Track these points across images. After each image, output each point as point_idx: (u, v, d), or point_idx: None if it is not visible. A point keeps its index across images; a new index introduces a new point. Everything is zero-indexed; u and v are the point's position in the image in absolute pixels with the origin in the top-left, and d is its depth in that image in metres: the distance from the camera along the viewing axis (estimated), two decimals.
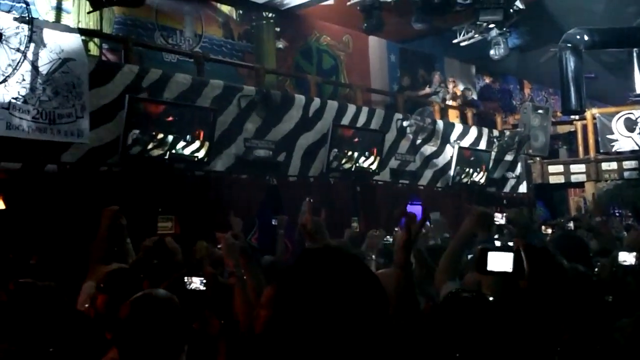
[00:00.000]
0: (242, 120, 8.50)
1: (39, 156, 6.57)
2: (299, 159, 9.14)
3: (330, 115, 9.56)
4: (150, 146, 7.24)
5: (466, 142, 11.66)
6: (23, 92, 6.37)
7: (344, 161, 9.50)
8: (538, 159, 12.77)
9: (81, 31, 7.43)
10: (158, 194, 7.34)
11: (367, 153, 9.74)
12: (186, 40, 10.68)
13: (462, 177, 11.33)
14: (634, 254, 3.88)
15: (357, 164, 9.66)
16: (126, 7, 8.48)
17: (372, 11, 11.06)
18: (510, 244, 2.17)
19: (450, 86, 13.51)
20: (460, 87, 14.15)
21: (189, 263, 4.20)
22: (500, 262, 2.08)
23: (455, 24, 12.46)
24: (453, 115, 12.96)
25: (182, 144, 7.54)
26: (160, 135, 7.31)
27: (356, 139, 9.65)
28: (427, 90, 13.04)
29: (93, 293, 3.43)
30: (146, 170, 7.33)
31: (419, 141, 10.79)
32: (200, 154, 7.75)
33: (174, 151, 7.47)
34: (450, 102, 13.12)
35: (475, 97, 14.40)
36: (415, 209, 10.28)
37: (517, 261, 2.04)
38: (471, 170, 11.45)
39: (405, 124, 10.55)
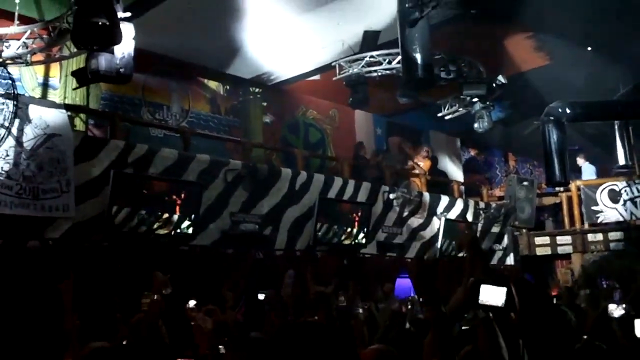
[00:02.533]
0: (229, 194, 8.52)
1: (21, 232, 6.49)
2: (285, 233, 9.13)
3: (316, 189, 9.60)
4: (134, 221, 7.22)
5: (453, 214, 11.69)
6: (6, 167, 6.38)
7: (331, 234, 9.50)
8: (524, 230, 12.82)
9: (67, 107, 7.52)
10: (142, 269, 7.23)
11: (354, 226, 9.74)
12: (173, 116, 10.82)
13: (450, 249, 11.31)
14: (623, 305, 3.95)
15: (344, 237, 9.64)
16: (112, 84, 8.57)
17: (357, 86, 11.28)
18: None
19: (421, 163, 13.51)
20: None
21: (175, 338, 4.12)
22: (492, 295, 2.05)
23: (440, 98, 12.73)
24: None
25: (166, 218, 7.50)
26: (145, 210, 7.30)
27: (343, 212, 9.67)
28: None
29: None
30: (131, 246, 7.27)
31: (405, 213, 10.82)
32: (185, 229, 7.72)
33: (158, 225, 7.43)
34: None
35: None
36: (405, 283, 10.20)
37: (509, 296, 2.01)
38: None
39: (392, 196, 10.61)
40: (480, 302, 2.09)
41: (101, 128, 8.89)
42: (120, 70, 6.74)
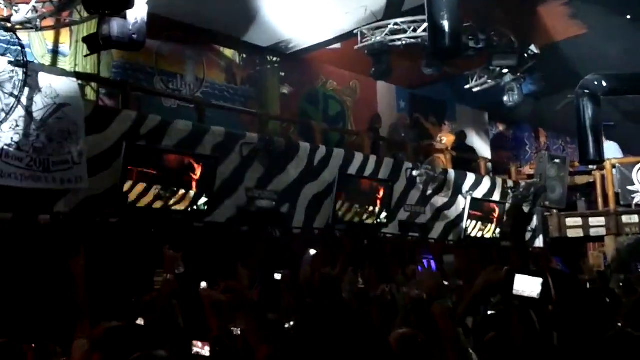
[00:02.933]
0: (244, 169, 8.57)
1: (31, 205, 6.60)
2: (303, 210, 9.17)
3: (336, 164, 9.62)
4: (148, 196, 7.29)
5: (479, 193, 11.68)
6: (16, 138, 6.45)
7: (351, 213, 9.52)
8: (555, 211, 12.75)
9: (78, 75, 7.56)
10: (156, 246, 7.33)
11: (375, 204, 9.76)
12: (187, 85, 10.86)
13: (475, 230, 11.32)
14: None
15: (366, 216, 9.68)
16: (125, 51, 8.60)
17: (380, 56, 11.24)
18: None
19: (444, 139, 13.44)
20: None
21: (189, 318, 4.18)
22: (527, 286, 2.06)
23: (468, 69, 12.65)
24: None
25: (181, 193, 7.58)
26: (159, 185, 7.37)
27: (364, 190, 9.70)
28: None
29: (86, 351, 3.42)
30: (144, 222, 7.36)
31: (429, 192, 10.81)
32: (202, 205, 7.80)
33: (172, 201, 7.51)
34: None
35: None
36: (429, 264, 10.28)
37: (544, 287, 2.03)
38: (484, 223, 11.45)
39: (415, 173, 10.60)
40: (514, 292, 2.11)
41: (113, 98, 8.95)
42: (133, 36, 6.77)
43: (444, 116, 14.73)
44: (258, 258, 8.51)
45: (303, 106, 12.76)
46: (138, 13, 6.80)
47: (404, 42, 11.06)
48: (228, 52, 11.70)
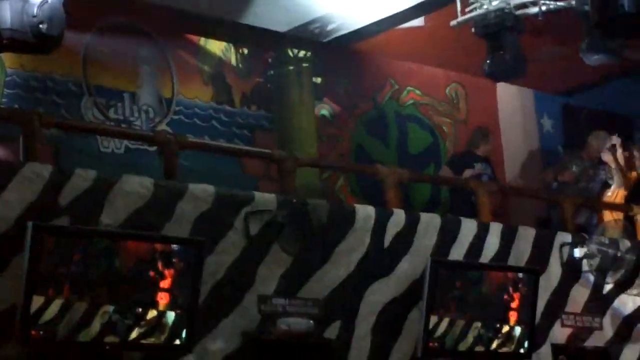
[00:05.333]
0: (254, 262, 8.59)
1: None
2: (367, 335, 9.17)
3: (427, 244, 9.67)
4: (73, 320, 7.29)
5: None
6: None
7: (459, 335, 9.51)
8: None
9: None
10: None
11: (505, 317, 9.75)
12: (142, 111, 10.96)
13: None
14: None
15: (488, 340, 9.66)
16: (28, 55, 8.74)
17: (501, 36, 11.24)
18: None
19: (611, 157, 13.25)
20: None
21: None
22: None
23: None
24: None
25: (138, 312, 7.60)
26: (93, 300, 7.38)
27: (483, 290, 9.69)
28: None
29: None
30: None
31: (608, 286, 10.72)
32: (172, 334, 7.79)
33: (120, 328, 7.51)
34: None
35: None
36: None
37: None
38: None
39: (578, 253, 10.54)
40: None
41: (7, 143, 9.05)
42: (41, 27, 6.83)
43: (631, 141, 14.59)
44: None
45: (360, 138, 12.81)
46: None
47: (544, 9, 11.06)
48: (216, 47, 11.84)
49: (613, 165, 12.83)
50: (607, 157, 12.92)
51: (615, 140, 13.09)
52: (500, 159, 13.53)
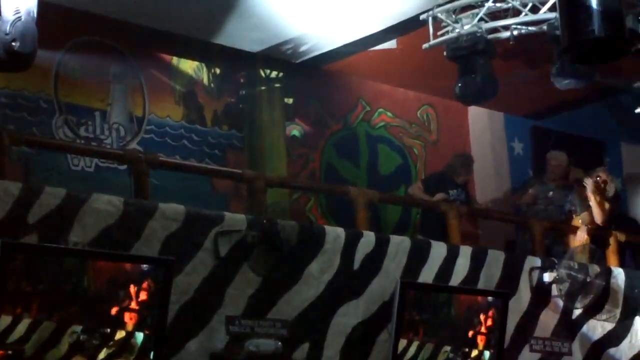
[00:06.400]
0: (223, 283, 8.58)
1: None
2: (336, 356, 9.18)
3: (396, 266, 9.68)
4: (37, 339, 7.21)
5: None
6: None
7: (422, 359, 9.51)
8: None
9: None
10: None
11: (473, 341, 9.77)
12: (113, 130, 10.95)
13: None
14: None
15: None
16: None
17: (473, 59, 11.28)
18: None
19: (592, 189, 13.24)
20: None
21: None
22: None
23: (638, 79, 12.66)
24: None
25: (106, 333, 7.58)
26: (62, 319, 7.34)
27: (451, 314, 9.74)
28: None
29: None
30: None
31: (577, 311, 10.78)
32: (134, 355, 7.75)
33: (81, 348, 7.47)
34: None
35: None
36: None
37: None
38: None
39: (547, 277, 10.60)
40: None
41: None
42: (13, 44, 6.82)
43: (599, 163, 14.65)
44: None
45: (329, 158, 12.83)
46: (22, 3, 6.90)
47: (515, 33, 11.12)
48: (188, 66, 11.84)
49: (592, 199, 12.81)
50: (589, 188, 12.93)
51: (602, 174, 13.10)
52: (471, 181, 13.52)
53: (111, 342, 7.62)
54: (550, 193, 13.24)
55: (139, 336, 7.79)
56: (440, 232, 11.14)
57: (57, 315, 7.35)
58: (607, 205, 13.08)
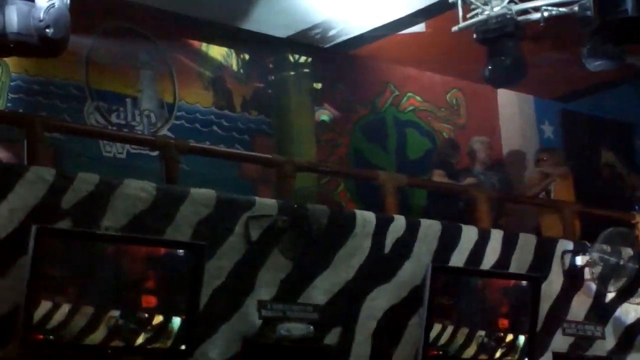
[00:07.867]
0: (254, 267, 8.63)
1: None
2: (367, 340, 9.20)
3: (427, 250, 9.71)
4: (74, 324, 7.32)
5: None
6: None
7: (459, 343, 9.54)
8: None
9: None
10: None
11: (504, 327, 9.77)
12: (144, 116, 10.98)
13: None
14: None
15: (491, 349, 9.68)
16: (31, 59, 8.74)
17: (502, 42, 11.25)
18: None
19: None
20: None
21: None
22: None
23: None
24: None
25: (138, 316, 7.65)
26: (94, 305, 7.42)
27: (483, 297, 9.75)
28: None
29: None
30: None
31: (610, 295, 10.77)
32: (171, 340, 7.82)
33: (118, 333, 7.54)
34: None
35: None
36: None
37: None
38: None
39: (579, 261, 10.59)
40: None
41: (10, 144, 9.05)
42: (47, 30, 6.84)
43: (633, 152, 14.61)
44: None
45: (358, 143, 12.82)
46: None
47: (545, 15, 11.07)
48: (217, 52, 11.85)
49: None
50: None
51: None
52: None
53: (149, 327, 7.70)
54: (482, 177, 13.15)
55: (176, 321, 7.85)
56: (457, 217, 11.06)
57: (95, 300, 7.43)
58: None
